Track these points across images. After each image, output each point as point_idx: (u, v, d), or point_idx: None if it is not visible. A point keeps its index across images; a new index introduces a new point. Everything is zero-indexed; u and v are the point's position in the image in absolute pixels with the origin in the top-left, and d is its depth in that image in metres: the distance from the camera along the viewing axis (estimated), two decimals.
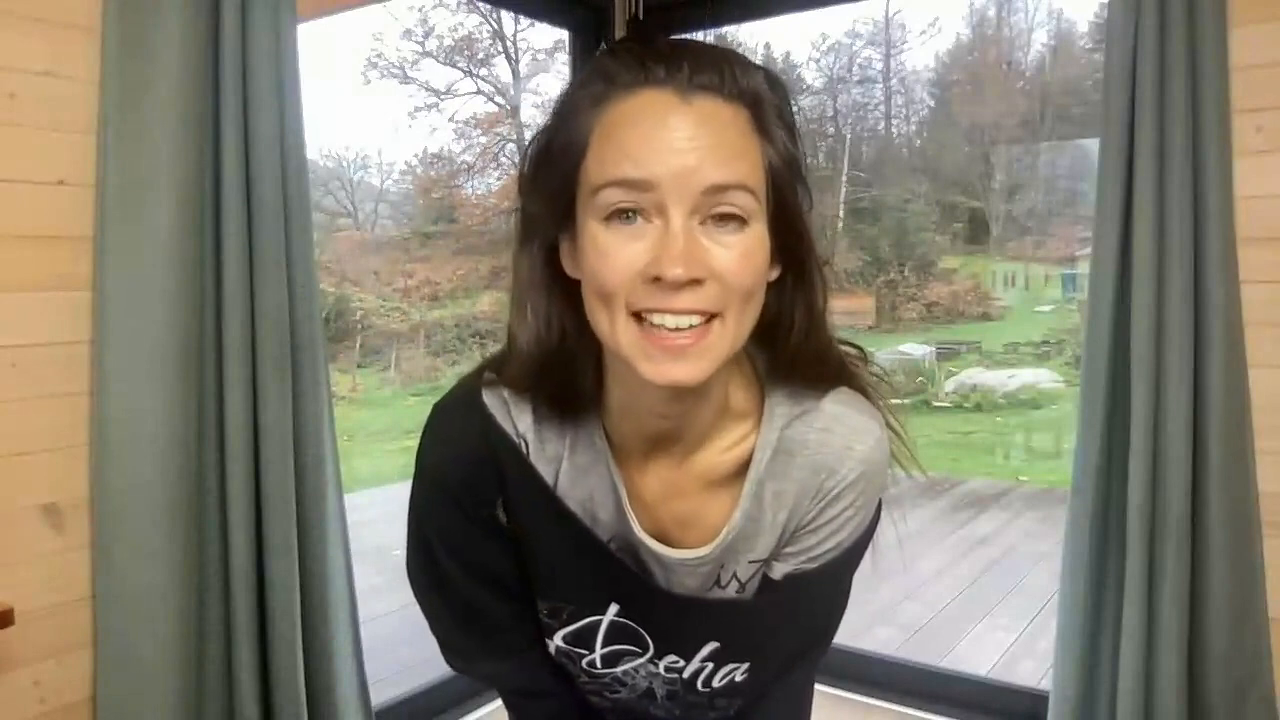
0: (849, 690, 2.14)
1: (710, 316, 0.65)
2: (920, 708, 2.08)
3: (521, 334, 0.74)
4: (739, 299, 0.66)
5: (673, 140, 0.64)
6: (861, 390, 0.80)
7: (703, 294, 0.65)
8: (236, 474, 1.53)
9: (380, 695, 1.90)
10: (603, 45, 2.27)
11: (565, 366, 0.74)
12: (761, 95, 0.68)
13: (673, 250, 0.63)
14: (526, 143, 0.74)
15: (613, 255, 0.65)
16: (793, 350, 0.75)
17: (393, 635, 3.00)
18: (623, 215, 0.65)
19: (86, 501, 1.47)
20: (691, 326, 0.65)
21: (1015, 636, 3.62)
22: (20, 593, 1.40)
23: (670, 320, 0.65)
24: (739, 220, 0.66)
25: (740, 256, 0.65)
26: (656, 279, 0.64)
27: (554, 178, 0.69)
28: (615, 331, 0.66)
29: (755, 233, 0.67)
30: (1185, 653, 1.62)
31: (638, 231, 0.65)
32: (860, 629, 3.61)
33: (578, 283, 0.71)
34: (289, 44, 1.55)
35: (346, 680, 1.73)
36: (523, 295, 0.74)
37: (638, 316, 0.65)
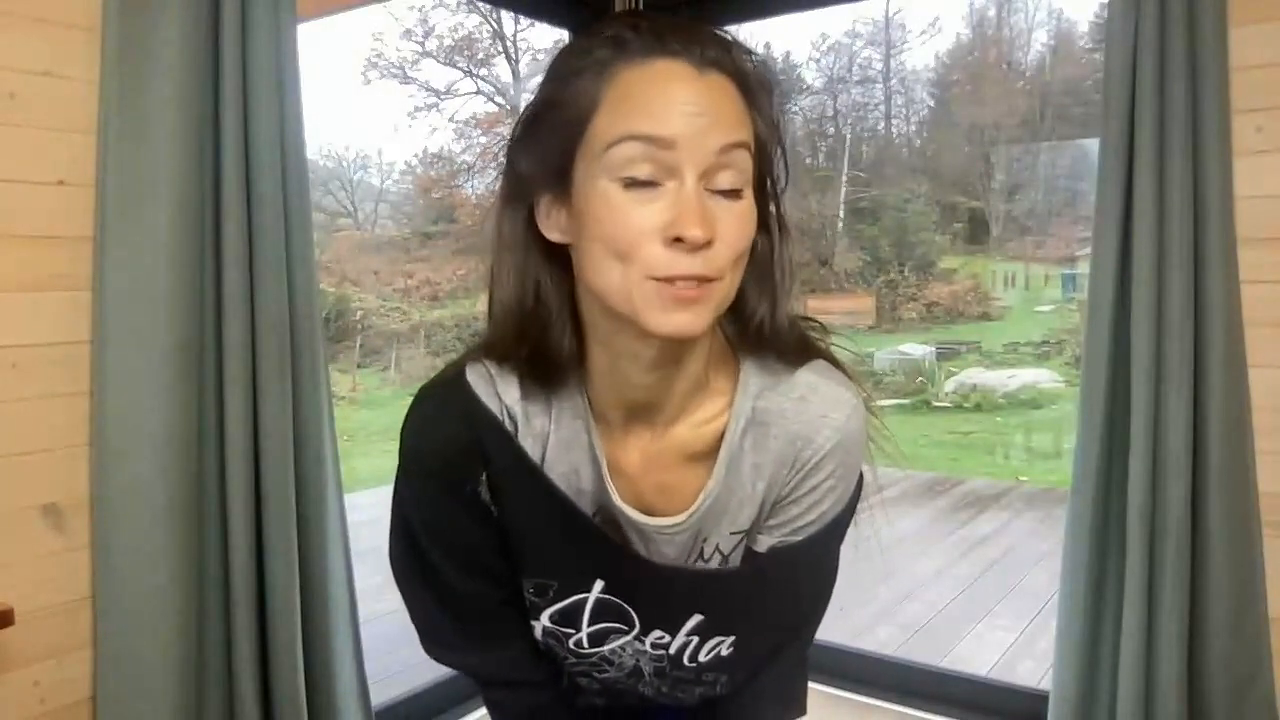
0: (849, 690, 2.14)
1: (710, 279, 0.69)
2: (920, 708, 2.08)
3: (501, 294, 0.77)
4: (735, 261, 0.70)
5: (690, 103, 0.68)
6: (834, 361, 0.82)
7: (710, 257, 0.68)
8: (236, 474, 1.52)
9: (380, 695, 1.90)
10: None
11: (544, 327, 0.76)
12: (749, 72, 0.73)
13: (691, 211, 0.66)
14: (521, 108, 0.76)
15: (630, 214, 0.67)
16: (761, 317, 0.78)
17: (393, 635, 3.00)
18: (638, 179, 0.68)
19: (86, 501, 1.47)
20: (696, 285, 0.68)
21: (1015, 636, 3.62)
22: (20, 593, 1.40)
23: (680, 282, 0.67)
24: (737, 188, 0.70)
25: (738, 221, 0.69)
26: (676, 239, 0.66)
27: (553, 139, 0.71)
28: (629, 285, 0.68)
29: (748, 199, 0.71)
30: (1185, 653, 1.62)
31: (653, 193, 0.67)
32: (860, 629, 3.62)
33: (556, 245, 0.73)
34: (289, 44, 1.55)
35: (346, 680, 1.73)
36: (504, 255, 0.76)
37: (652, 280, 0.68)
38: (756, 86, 0.73)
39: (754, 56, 0.73)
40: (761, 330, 0.78)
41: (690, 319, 0.68)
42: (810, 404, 0.79)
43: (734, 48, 0.72)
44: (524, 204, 0.75)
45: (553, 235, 0.73)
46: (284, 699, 1.60)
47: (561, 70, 0.72)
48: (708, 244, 0.67)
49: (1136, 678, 1.63)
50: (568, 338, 0.76)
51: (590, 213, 0.69)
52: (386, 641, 2.84)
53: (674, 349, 0.73)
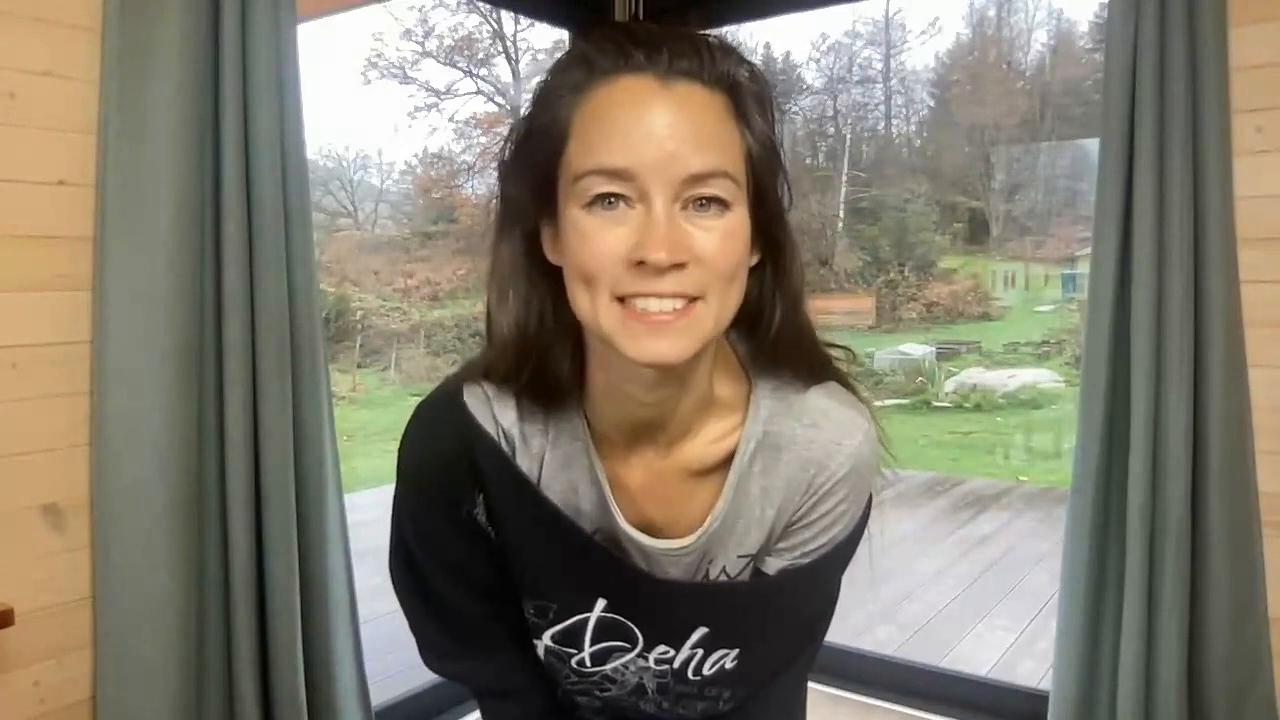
0: (849, 690, 2.14)
1: (693, 299, 0.66)
2: (920, 708, 2.08)
3: (502, 319, 0.75)
4: (721, 281, 0.67)
5: (653, 127, 0.65)
6: (845, 384, 0.80)
7: (685, 277, 0.65)
8: (236, 474, 1.52)
9: (380, 695, 1.90)
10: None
11: (545, 351, 0.74)
12: (740, 81, 0.69)
13: (656, 235, 0.64)
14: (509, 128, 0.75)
15: (595, 240, 0.66)
16: (773, 336, 0.76)
17: (393, 635, 3.00)
18: (605, 201, 0.65)
19: (86, 501, 1.47)
20: (675, 309, 0.66)
21: (1015, 636, 3.62)
22: (20, 593, 1.40)
23: (654, 304, 0.65)
24: (720, 204, 0.66)
25: (721, 240, 0.66)
26: (640, 263, 0.64)
27: (535, 164, 0.70)
28: (597, 313, 0.67)
29: (736, 216, 0.67)
30: (1185, 653, 1.62)
31: (620, 216, 0.65)
32: (860, 629, 3.62)
33: (557, 269, 0.71)
34: (289, 44, 1.55)
35: (346, 680, 1.73)
36: (504, 280, 0.75)
37: (620, 300, 0.66)
38: (746, 97, 0.69)
39: (748, 66, 0.70)
40: (772, 348, 0.76)
41: (669, 346, 0.65)
42: (823, 429, 0.77)
43: (718, 55, 0.68)
44: (520, 227, 0.74)
45: (554, 259, 0.72)
46: (284, 699, 1.60)
47: (541, 93, 0.71)
48: (679, 265, 0.64)
49: (1136, 678, 1.63)
50: (568, 360, 0.75)
51: (564, 239, 0.68)
52: (386, 641, 2.83)
53: (674, 369, 0.70)
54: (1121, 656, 1.65)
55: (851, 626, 3.59)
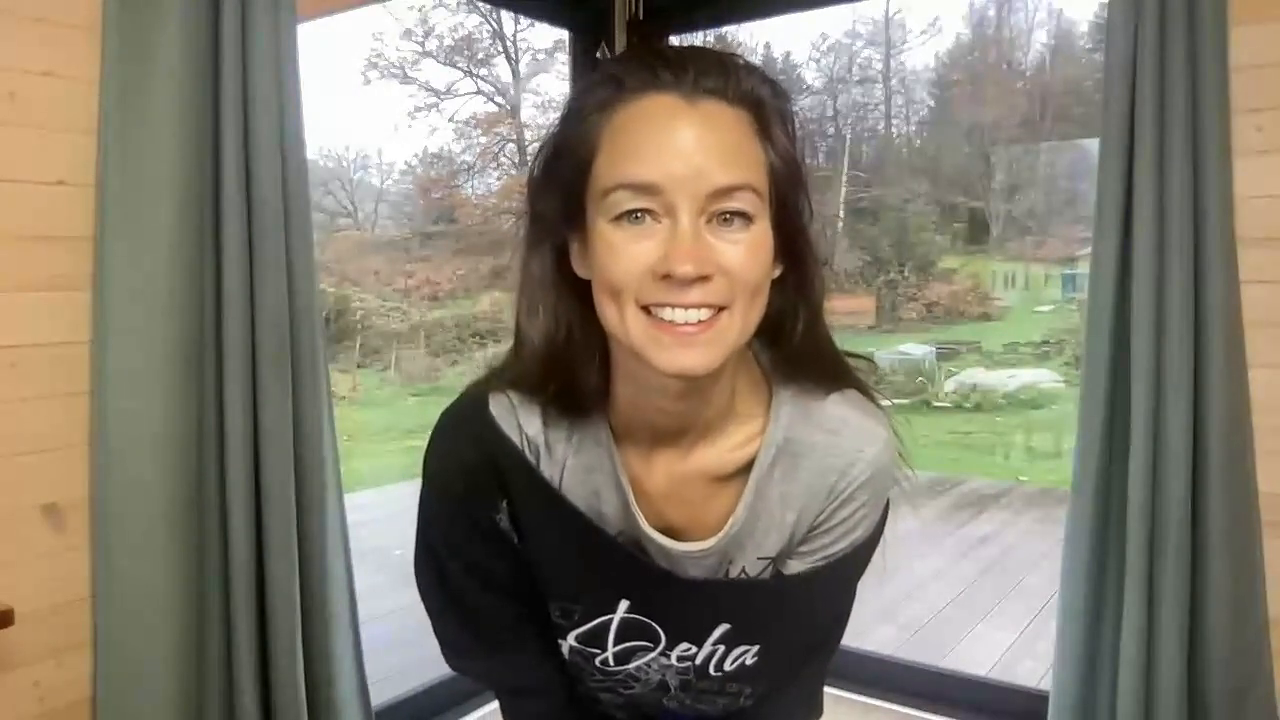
0: (849, 690, 2.14)
1: (719, 309, 0.68)
2: (920, 708, 2.08)
3: (532, 332, 0.76)
4: (746, 293, 0.68)
5: (679, 143, 0.67)
6: (864, 391, 0.82)
7: (711, 289, 0.67)
8: (236, 474, 1.52)
9: (380, 695, 1.90)
10: (602, 49, 2.28)
11: (571, 363, 0.76)
12: (763, 99, 0.71)
13: (682, 248, 0.66)
14: (531, 145, 0.77)
15: (623, 253, 0.67)
16: (794, 347, 0.77)
17: (393, 635, 3.00)
18: (632, 215, 0.67)
19: (86, 501, 1.47)
20: (700, 320, 0.67)
21: (1015, 636, 3.62)
22: (20, 593, 1.40)
23: (680, 315, 0.67)
24: (745, 218, 0.68)
25: (747, 252, 0.68)
26: (666, 276, 0.66)
27: (564, 180, 0.72)
28: (625, 323, 0.68)
29: (760, 229, 0.69)
30: (1185, 653, 1.62)
31: (647, 230, 0.67)
32: (860, 629, 3.61)
33: (585, 283, 0.73)
34: (289, 44, 1.55)
35: (346, 680, 1.73)
36: (534, 295, 0.76)
37: (646, 310, 0.68)
38: (769, 114, 0.71)
39: (771, 84, 0.71)
40: (793, 357, 0.78)
41: (695, 357, 0.67)
42: (842, 437, 0.79)
43: (742, 74, 0.70)
44: (549, 243, 0.75)
45: (582, 273, 0.74)
46: (284, 699, 1.60)
47: (569, 113, 0.73)
48: (705, 278, 0.66)
49: (1136, 678, 1.63)
50: (594, 373, 0.77)
51: (594, 254, 0.70)
52: (386, 641, 2.83)
53: (700, 380, 0.72)
54: (1121, 656, 1.65)
55: (852, 626, 3.59)
